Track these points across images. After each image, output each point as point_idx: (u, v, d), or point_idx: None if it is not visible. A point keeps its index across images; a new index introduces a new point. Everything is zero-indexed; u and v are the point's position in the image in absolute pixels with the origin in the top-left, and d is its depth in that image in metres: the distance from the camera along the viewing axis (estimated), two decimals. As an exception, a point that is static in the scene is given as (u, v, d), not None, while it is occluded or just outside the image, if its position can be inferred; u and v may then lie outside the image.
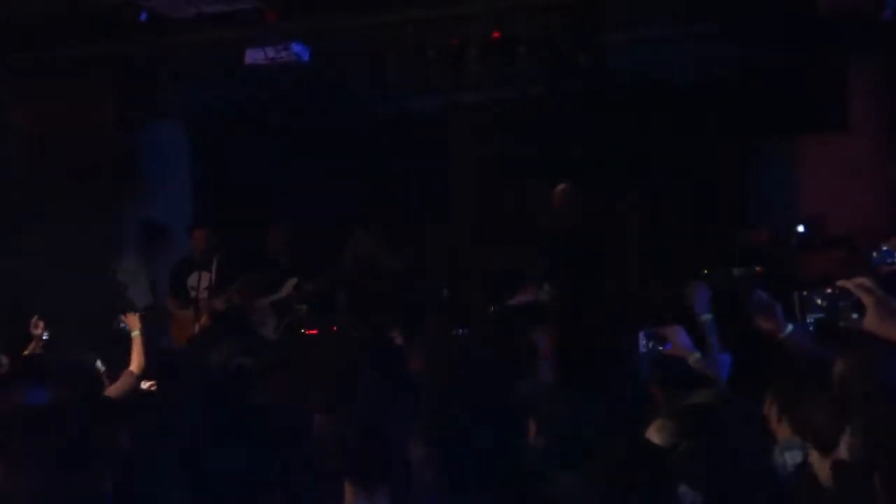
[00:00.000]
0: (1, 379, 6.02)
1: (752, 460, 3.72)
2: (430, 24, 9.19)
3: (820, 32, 8.41)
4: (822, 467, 3.32)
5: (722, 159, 9.74)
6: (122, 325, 6.94)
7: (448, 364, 5.46)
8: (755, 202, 9.74)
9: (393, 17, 9.17)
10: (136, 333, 6.72)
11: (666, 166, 9.71)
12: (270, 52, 8.72)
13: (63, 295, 8.81)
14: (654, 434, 3.87)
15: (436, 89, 9.68)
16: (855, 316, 3.06)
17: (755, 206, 9.71)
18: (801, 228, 8.95)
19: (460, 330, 7.79)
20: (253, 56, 8.80)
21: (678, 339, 4.78)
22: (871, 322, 3.03)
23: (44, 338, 7.27)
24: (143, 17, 8.55)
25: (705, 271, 7.44)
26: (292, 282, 9.20)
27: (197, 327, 8.82)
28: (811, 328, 3.28)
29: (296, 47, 8.78)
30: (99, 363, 6.00)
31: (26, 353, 7.09)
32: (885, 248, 4.39)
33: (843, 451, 3.03)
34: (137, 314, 6.92)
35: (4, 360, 6.62)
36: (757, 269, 6.86)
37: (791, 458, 3.71)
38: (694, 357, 4.72)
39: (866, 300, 3.04)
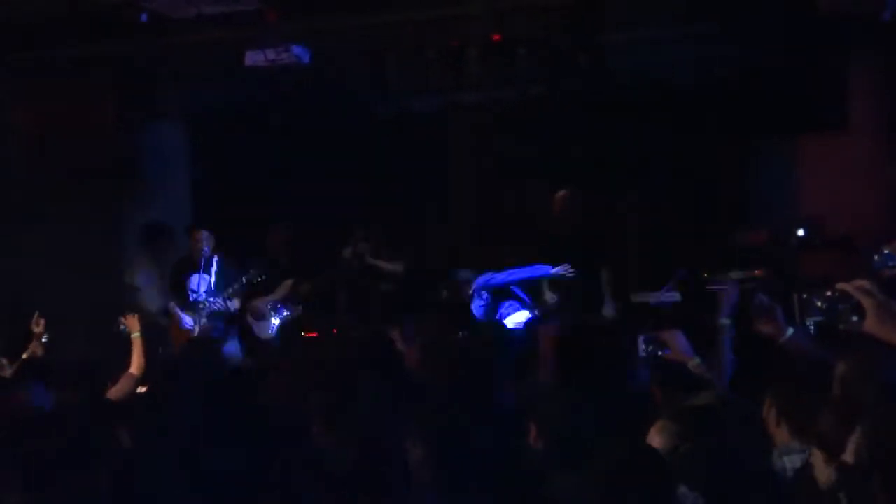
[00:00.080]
0: (2, 381, 6.02)
1: (752, 462, 3.72)
2: (430, 24, 9.19)
3: (820, 32, 8.40)
4: (823, 471, 3.31)
5: (722, 159, 9.74)
6: (121, 326, 6.95)
7: (448, 364, 5.45)
8: (755, 202, 9.74)
9: (393, 17, 9.17)
10: (135, 335, 6.72)
11: (666, 166, 9.72)
12: (270, 54, 8.71)
13: (63, 295, 8.81)
14: (655, 435, 3.87)
15: (436, 89, 9.68)
16: (855, 319, 3.06)
17: (755, 207, 9.71)
18: (800, 230, 8.95)
19: (460, 330, 7.79)
20: (253, 58, 8.79)
21: (677, 343, 4.76)
22: (871, 325, 3.03)
23: (44, 338, 7.27)
24: (143, 17, 8.55)
25: (705, 274, 7.46)
26: (289, 282, 9.20)
27: (197, 328, 8.83)
28: (811, 331, 3.28)
29: (296, 49, 8.77)
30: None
31: (26, 353, 7.09)
32: (886, 252, 4.39)
33: (848, 455, 3.02)
34: (136, 316, 6.92)
35: (5, 361, 6.63)
36: (756, 272, 6.88)
37: (790, 462, 3.70)
38: (693, 362, 4.70)
39: (866, 303, 3.04)
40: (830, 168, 9.07)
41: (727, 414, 3.97)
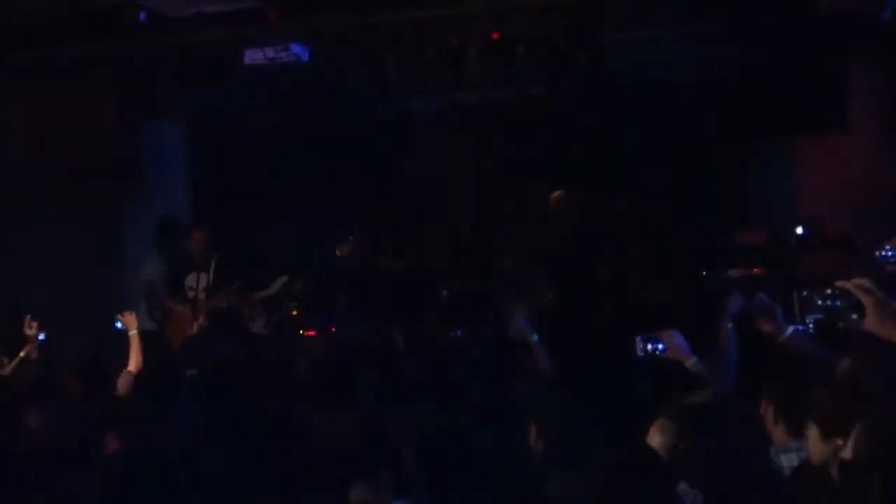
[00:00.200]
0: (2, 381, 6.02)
1: (752, 460, 3.71)
2: (430, 24, 9.19)
3: (820, 32, 8.40)
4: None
5: (722, 159, 9.73)
6: (118, 324, 6.94)
7: (448, 364, 5.46)
8: (755, 202, 9.73)
9: (393, 17, 9.17)
10: (133, 333, 6.72)
11: (666, 166, 9.71)
12: (270, 53, 8.71)
13: (63, 295, 8.81)
14: (655, 434, 3.86)
15: (436, 89, 9.68)
16: (854, 317, 3.07)
17: (755, 206, 9.70)
18: (800, 229, 8.94)
19: (460, 330, 7.79)
20: (252, 56, 8.80)
21: (674, 342, 4.77)
22: (870, 323, 3.04)
23: (39, 338, 7.27)
24: (143, 17, 8.55)
25: (704, 272, 7.46)
26: (282, 279, 9.21)
27: (195, 327, 8.82)
28: (811, 329, 3.28)
29: (295, 48, 8.78)
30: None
31: (22, 354, 7.09)
32: (888, 247, 4.38)
33: (847, 451, 3.02)
34: (133, 313, 6.92)
35: (5, 359, 6.63)
36: (755, 270, 6.87)
37: (787, 460, 3.70)
38: (691, 361, 4.71)
39: (866, 301, 3.04)
40: (830, 168, 9.06)
41: (726, 412, 3.97)
